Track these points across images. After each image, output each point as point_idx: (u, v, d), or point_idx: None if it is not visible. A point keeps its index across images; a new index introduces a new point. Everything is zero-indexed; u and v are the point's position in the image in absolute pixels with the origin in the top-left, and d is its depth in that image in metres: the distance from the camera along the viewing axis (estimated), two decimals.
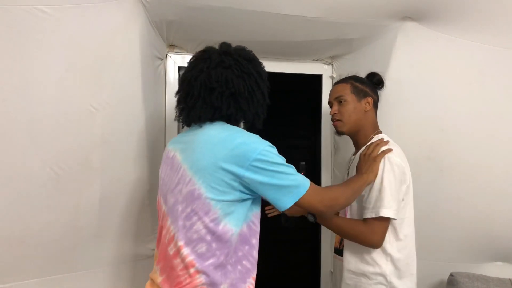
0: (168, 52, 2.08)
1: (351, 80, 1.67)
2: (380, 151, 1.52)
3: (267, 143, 1.20)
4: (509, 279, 2.07)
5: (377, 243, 1.47)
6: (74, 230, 1.63)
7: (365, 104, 1.63)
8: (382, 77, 1.73)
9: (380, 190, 1.47)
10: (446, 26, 1.80)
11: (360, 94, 1.63)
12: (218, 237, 1.17)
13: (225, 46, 1.33)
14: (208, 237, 1.17)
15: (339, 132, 1.67)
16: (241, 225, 1.21)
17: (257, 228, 1.28)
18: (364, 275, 1.53)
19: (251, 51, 1.35)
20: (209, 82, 1.24)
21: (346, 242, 1.60)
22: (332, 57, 2.31)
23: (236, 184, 1.17)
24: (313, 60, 2.31)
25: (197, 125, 1.29)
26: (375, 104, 1.68)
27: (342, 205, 1.43)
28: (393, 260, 1.51)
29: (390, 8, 1.76)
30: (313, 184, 1.24)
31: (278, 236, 2.85)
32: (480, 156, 1.95)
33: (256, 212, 1.28)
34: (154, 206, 1.95)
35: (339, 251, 1.67)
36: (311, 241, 3.16)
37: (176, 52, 2.11)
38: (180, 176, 1.23)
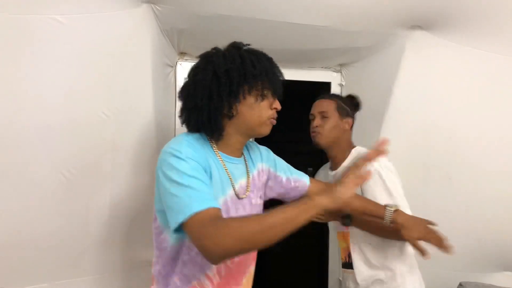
0: (178, 59, 2.10)
1: (336, 98, 1.72)
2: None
3: (174, 152, 1.07)
4: None
5: None
6: (83, 235, 1.65)
7: (345, 123, 1.69)
8: (360, 101, 1.77)
9: (386, 189, 1.52)
10: (454, 35, 1.80)
11: (343, 113, 1.68)
12: (158, 246, 1.19)
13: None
14: (154, 244, 1.21)
15: (316, 144, 1.70)
16: (178, 239, 1.13)
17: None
18: (378, 280, 1.56)
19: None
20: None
21: (355, 255, 1.61)
22: (341, 65, 2.32)
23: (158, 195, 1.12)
24: (322, 67, 2.32)
25: None
26: (353, 123, 1.74)
27: (253, 242, 0.99)
28: (405, 258, 1.56)
29: (398, 17, 1.76)
30: (213, 211, 0.99)
31: (283, 244, 2.82)
32: (489, 164, 1.95)
33: None
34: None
35: (347, 265, 1.68)
36: (319, 250, 3.15)
37: (186, 60, 2.13)
38: None
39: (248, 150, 1.36)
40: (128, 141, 1.66)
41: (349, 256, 1.64)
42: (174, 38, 1.89)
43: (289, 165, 1.48)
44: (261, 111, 1.19)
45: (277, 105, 1.22)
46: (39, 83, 1.43)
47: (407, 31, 1.83)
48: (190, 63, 2.11)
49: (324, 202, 1.02)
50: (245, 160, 1.30)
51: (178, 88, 2.06)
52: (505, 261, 2.13)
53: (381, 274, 1.56)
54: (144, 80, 1.69)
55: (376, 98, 2.04)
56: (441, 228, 2.01)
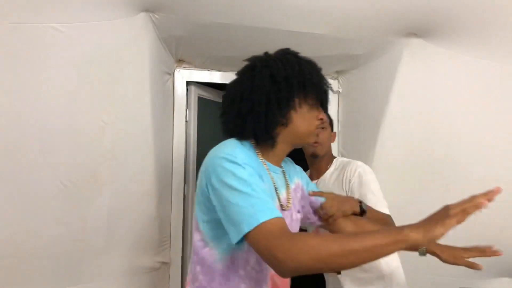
0: (176, 67, 2.12)
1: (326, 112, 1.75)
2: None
3: (224, 154, 1.00)
4: None
5: None
6: (82, 243, 1.65)
7: (333, 135, 1.78)
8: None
9: (371, 191, 1.57)
10: (451, 43, 1.82)
11: (331, 126, 1.76)
12: (201, 260, 1.07)
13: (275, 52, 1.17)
14: (195, 258, 1.08)
15: (315, 155, 1.70)
16: (229, 253, 1.04)
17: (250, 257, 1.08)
18: (367, 281, 1.58)
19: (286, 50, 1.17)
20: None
21: None
22: (338, 72, 2.33)
23: (210, 205, 1.02)
24: None
25: None
26: None
27: (328, 263, 0.88)
28: (391, 259, 1.62)
29: (395, 25, 1.78)
30: (278, 221, 0.92)
31: None
32: (486, 171, 1.95)
33: None
34: (162, 218, 1.97)
35: None
36: None
37: (184, 67, 2.14)
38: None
39: (285, 163, 1.28)
40: (127, 148, 1.67)
41: None
42: (172, 46, 1.91)
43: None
44: (311, 120, 1.14)
45: (323, 115, 1.19)
46: (39, 91, 1.44)
47: (403, 39, 1.85)
48: (188, 70, 2.14)
49: (418, 239, 0.87)
50: (283, 171, 1.24)
51: (177, 96, 2.12)
52: (503, 267, 2.13)
53: (369, 275, 1.58)
54: (143, 88, 1.69)
55: (373, 105, 2.06)
56: None
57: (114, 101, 1.60)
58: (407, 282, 1.64)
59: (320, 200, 1.35)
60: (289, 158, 1.35)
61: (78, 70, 1.49)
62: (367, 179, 1.58)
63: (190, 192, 2.19)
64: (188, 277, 1.11)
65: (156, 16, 1.66)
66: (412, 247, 0.90)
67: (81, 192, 1.58)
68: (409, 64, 1.89)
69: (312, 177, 1.77)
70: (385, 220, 1.48)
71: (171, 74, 2.08)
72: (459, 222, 0.90)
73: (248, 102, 1.08)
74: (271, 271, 1.06)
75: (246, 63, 1.16)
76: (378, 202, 1.54)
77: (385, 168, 1.99)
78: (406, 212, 2.03)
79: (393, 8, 1.67)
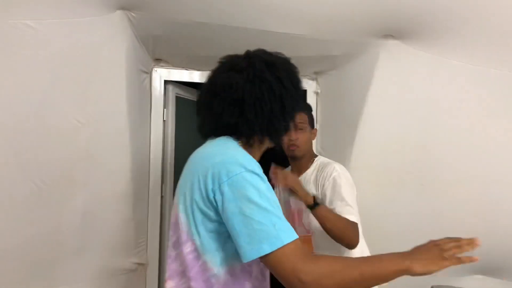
0: (154, 65, 2.09)
1: (306, 110, 1.75)
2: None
3: (251, 167, 0.94)
4: None
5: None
6: (55, 244, 1.61)
7: (314, 134, 1.76)
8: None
9: (342, 200, 1.55)
10: (426, 45, 1.85)
11: (312, 125, 1.75)
12: (196, 275, 0.98)
13: (255, 50, 1.15)
14: (188, 273, 0.99)
15: (294, 157, 1.72)
16: (229, 264, 0.98)
17: (259, 269, 1.05)
18: None
19: (279, 54, 1.15)
20: (213, 86, 1.08)
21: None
22: (316, 73, 2.34)
23: (211, 213, 0.95)
24: None
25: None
26: None
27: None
28: None
29: (372, 26, 1.80)
30: (297, 244, 0.90)
31: None
32: (460, 170, 2.00)
33: None
34: (138, 219, 1.94)
35: None
36: None
37: (161, 66, 2.12)
38: (175, 202, 1.07)
39: None
40: (102, 148, 1.64)
41: None
42: (150, 45, 1.89)
43: None
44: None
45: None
46: (11, 89, 1.40)
47: (380, 40, 1.87)
48: (166, 69, 2.12)
49: (417, 272, 0.92)
50: None
51: (154, 95, 2.09)
52: (476, 265, 2.16)
53: None
54: (119, 86, 1.67)
55: (350, 106, 2.08)
56: (414, 233, 2.06)
57: (89, 100, 1.57)
58: None
59: None
60: None
61: (51, 68, 1.46)
62: (340, 184, 1.56)
63: (168, 192, 2.17)
64: None
65: (133, 14, 1.64)
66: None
67: (55, 193, 1.55)
68: (386, 65, 1.92)
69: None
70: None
71: (149, 73, 2.06)
72: (452, 264, 0.95)
73: (278, 104, 1.06)
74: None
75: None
76: (345, 208, 1.52)
77: (362, 167, 2.01)
78: (382, 211, 2.07)
79: (370, 10, 1.69)
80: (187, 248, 0.98)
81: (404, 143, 1.99)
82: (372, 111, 1.94)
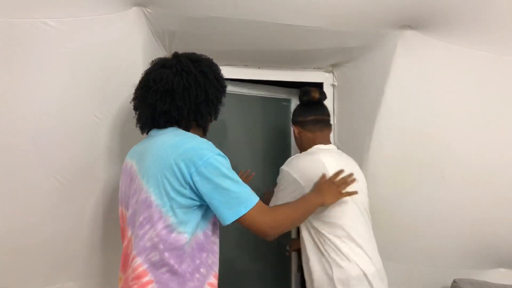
0: None
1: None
2: (345, 190, 1.58)
3: (217, 151, 1.19)
4: None
5: None
6: (78, 239, 1.65)
7: (295, 131, 1.84)
8: (311, 93, 1.82)
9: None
10: (445, 34, 1.81)
11: (292, 122, 1.86)
12: (170, 246, 1.14)
13: (182, 52, 1.39)
14: (161, 246, 1.14)
15: None
16: (196, 233, 1.19)
17: (215, 234, 1.29)
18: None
19: (203, 55, 1.39)
20: (147, 82, 1.30)
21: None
22: (333, 65, 2.32)
23: (185, 191, 1.15)
24: (314, 68, 2.32)
25: (151, 132, 1.35)
26: (304, 125, 1.80)
27: (288, 227, 1.38)
28: None
29: (389, 17, 1.77)
30: (261, 202, 1.20)
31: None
32: (481, 163, 1.95)
33: (214, 218, 1.26)
34: None
35: None
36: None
37: None
38: (136, 186, 1.23)
39: None
40: (121, 144, 1.66)
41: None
42: (165, 40, 1.89)
43: None
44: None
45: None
46: (31, 87, 1.43)
47: (397, 31, 1.84)
48: None
49: (327, 203, 1.52)
50: None
51: None
52: (499, 257, 2.14)
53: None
54: (136, 82, 1.68)
55: (368, 98, 2.05)
56: (435, 226, 2.04)
57: (108, 96, 1.58)
58: (404, 274, 1.63)
59: None
60: None
61: (70, 66, 1.48)
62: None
63: None
64: (145, 266, 1.15)
65: (149, 10, 1.65)
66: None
67: (76, 189, 1.58)
68: (403, 56, 1.88)
69: None
70: None
71: None
72: (343, 196, 1.55)
73: (203, 92, 1.30)
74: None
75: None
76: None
77: (381, 160, 1.99)
78: (401, 203, 2.05)
79: (386, 1, 1.67)
80: (161, 225, 1.15)
81: (423, 135, 1.95)
82: (390, 103, 1.91)
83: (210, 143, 1.22)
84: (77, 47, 1.49)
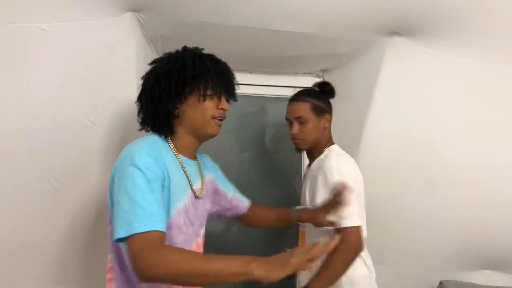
0: None
1: (309, 97, 1.68)
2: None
3: (135, 161, 1.06)
4: (497, 286, 2.12)
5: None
6: (70, 242, 1.65)
7: (324, 122, 1.68)
8: (333, 87, 1.76)
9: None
10: (433, 41, 1.85)
11: (318, 112, 1.66)
12: (112, 247, 1.21)
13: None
14: (108, 247, 1.23)
15: (299, 150, 1.72)
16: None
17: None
18: None
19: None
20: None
21: None
22: (323, 71, 2.36)
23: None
24: (304, 73, 2.36)
25: None
26: (331, 117, 1.73)
27: (181, 283, 1.05)
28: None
29: (377, 24, 1.81)
30: (152, 235, 0.99)
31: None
32: (468, 166, 2.00)
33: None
34: None
35: None
36: None
37: None
38: None
39: (201, 157, 1.45)
40: (114, 147, 1.67)
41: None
42: (159, 45, 1.91)
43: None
44: (204, 111, 1.23)
45: (224, 105, 1.27)
46: (25, 91, 1.44)
47: (386, 38, 1.88)
48: None
49: (260, 276, 0.94)
50: (198, 164, 1.37)
51: None
52: (485, 259, 2.19)
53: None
54: (129, 87, 1.69)
55: (357, 103, 2.09)
56: (423, 229, 2.08)
57: (101, 101, 1.60)
58: (392, 275, 1.67)
59: (244, 205, 1.60)
60: (207, 156, 1.52)
61: (64, 70, 1.49)
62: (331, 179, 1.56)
63: None
64: (108, 265, 1.22)
65: (142, 15, 1.66)
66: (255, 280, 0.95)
67: (69, 192, 1.59)
68: (392, 62, 1.92)
69: (309, 165, 1.76)
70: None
71: None
72: (303, 266, 0.96)
73: (139, 99, 1.27)
74: None
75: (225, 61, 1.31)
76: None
77: (370, 165, 2.02)
78: (390, 207, 2.09)
79: (375, 8, 1.70)
80: (109, 227, 1.18)
81: (411, 140, 2.00)
82: (379, 108, 1.95)
83: (143, 148, 1.12)
84: (71, 51, 1.50)
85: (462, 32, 1.82)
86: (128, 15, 1.63)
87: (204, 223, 1.38)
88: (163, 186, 1.13)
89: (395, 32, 1.86)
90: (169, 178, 1.15)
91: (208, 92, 1.22)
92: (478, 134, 1.98)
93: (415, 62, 1.92)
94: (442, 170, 2.03)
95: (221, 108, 1.26)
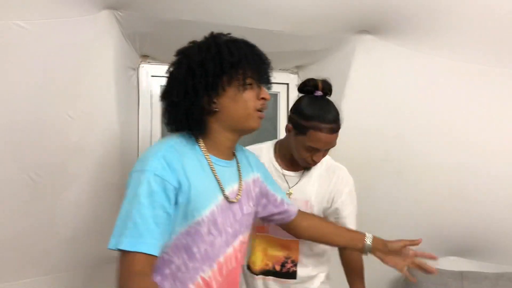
0: (141, 62, 2.15)
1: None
2: None
3: (145, 167, 0.98)
4: (460, 271, 2.23)
5: None
6: (50, 234, 1.69)
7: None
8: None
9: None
10: (399, 39, 1.94)
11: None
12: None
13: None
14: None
15: (308, 168, 1.62)
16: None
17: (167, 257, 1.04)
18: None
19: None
20: None
21: (302, 266, 1.60)
22: (297, 67, 2.43)
23: None
24: (280, 69, 2.42)
25: None
26: None
27: None
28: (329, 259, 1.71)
29: (348, 22, 1.89)
30: (138, 257, 0.92)
31: None
32: (434, 158, 2.11)
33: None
34: None
35: (280, 274, 1.59)
36: None
37: (148, 62, 2.18)
38: None
39: (244, 156, 1.27)
40: (93, 142, 1.71)
41: (283, 265, 1.59)
42: (136, 42, 1.95)
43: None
44: (246, 102, 1.07)
45: (265, 94, 1.12)
46: (5, 87, 1.46)
47: (356, 36, 1.96)
48: (153, 65, 2.19)
49: None
50: (237, 163, 1.20)
51: (141, 90, 2.15)
52: (450, 246, 2.30)
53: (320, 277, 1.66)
54: (107, 83, 1.73)
55: (330, 98, 2.16)
56: (393, 219, 2.17)
57: (80, 96, 1.63)
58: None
59: (294, 209, 1.39)
60: (252, 153, 1.34)
61: (43, 66, 1.52)
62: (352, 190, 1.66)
63: None
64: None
65: (120, 13, 1.70)
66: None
67: (49, 185, 1.62)
68: (361, 59, 2.01)
69: (289, 168, 1.62)
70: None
71: (136, 69, 2.12)
72: None
73: (168, 94, 1.07)
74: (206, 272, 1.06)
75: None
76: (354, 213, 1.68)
77: (342, 160, 2.06)
78: (363, 199, 2.16)
79: (345, 7, 1.78)
80: None
81: (380, 134, 2.09)
82: (350, 102, 2.02)
83: (160, 145, 1.05)
84: (50, 48, 1.52)
85: (426, 31, 1.91)
86: (105, 13, 1.66)
87: (245, 230, 1.19)
88: (177, 194, 0.99)
89: (364, 30, 1.95)
90: (189, 183, 1.00)
91: (248, 81, 1.07)
92: (444, 128, 2.08)
93: (383, 59, 2.01)
94: (410, 162, 2.13)
95: (262, 98, 1.11)
